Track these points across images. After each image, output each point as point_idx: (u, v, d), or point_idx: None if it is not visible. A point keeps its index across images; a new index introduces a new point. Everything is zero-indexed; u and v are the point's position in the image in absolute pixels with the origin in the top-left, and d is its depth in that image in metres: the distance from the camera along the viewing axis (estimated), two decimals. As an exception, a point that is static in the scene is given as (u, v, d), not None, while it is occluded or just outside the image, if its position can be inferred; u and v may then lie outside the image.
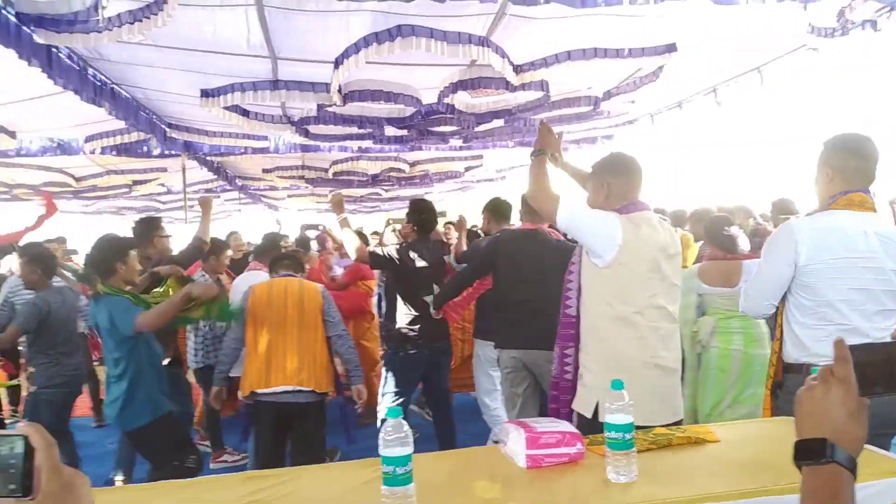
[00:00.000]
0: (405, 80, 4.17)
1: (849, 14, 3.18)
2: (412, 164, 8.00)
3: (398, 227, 7.03)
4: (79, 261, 5.93)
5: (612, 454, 1.62)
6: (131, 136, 5.38)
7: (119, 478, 4.17)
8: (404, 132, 5.53)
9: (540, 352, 3.43)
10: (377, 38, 3.14)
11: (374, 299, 6.36)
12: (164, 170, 7.48)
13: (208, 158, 6.97)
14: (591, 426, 2.18)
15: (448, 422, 4.35)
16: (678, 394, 2.46)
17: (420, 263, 4.11)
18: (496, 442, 4.58)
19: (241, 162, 7.58)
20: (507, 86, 3.92)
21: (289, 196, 11.06)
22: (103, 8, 2.67)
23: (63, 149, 5.79)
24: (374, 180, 8.81)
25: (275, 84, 3.97)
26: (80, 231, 10.06)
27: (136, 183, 8.31)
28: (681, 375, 2.53)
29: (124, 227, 11.19)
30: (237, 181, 9.07)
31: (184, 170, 6.48)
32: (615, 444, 1.61)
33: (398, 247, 4.21)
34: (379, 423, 4.16)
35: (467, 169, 8.56)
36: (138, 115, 4.66)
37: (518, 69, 3.80)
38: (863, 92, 5.28)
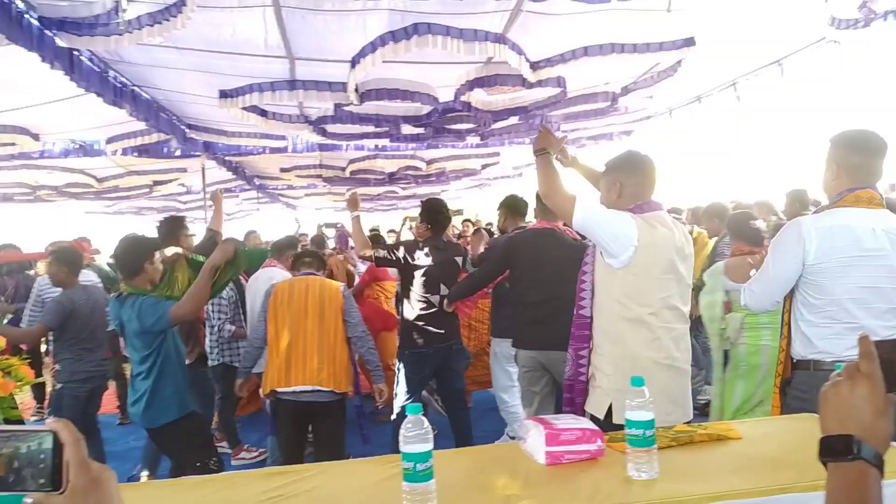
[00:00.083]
0: (421, 78, 4.17)
1: (872, 4, 3.13)
2: (429, 163, 8.02)
3: (415, 224, 7.05)
4: (101, 260, 6.01)
5: (633, 451, 1.61)
6: (152, 137, 5.46)
7: (144, 474, 4.23)
8: (421, 130, 5.54)
9: (558, 353, 3.42)
10: (393, 36, 3.15)
11: (394, 301, 6.38)
12: (184, 170, 7.58)
13: (227, 158, 7.05)
14: (604, 428, 2.17)
15: (462, 421, 4.33)
16: (689, 394, 2.44)
17: (426, 262, 4.09)
18: (512, 438, 4.61)
19: (259, 161, 7.65)
20: (524, 83, 3.91)
21: (306, 195, 11.14)
22: (124, 11, 2.71)
23: (85, 150, 5.89)
24: (391, 178, 8.85)
25: (292, 84, 4.00)
26: (102, 231, 10.21)
27: (156, 183, 8.43)
28: (695, 374, 2.51)
29: (145, 227, 11.36)
30: (255, 181, 9.15)
31: (203, 170, 6.55)
32: (636, 440, 1.60)
33: (404, 245, 4.22)
34: (394, 416, 4.19)
35: (484, 166, 8.56)
36: (158, 116, 4.72)
37: (534, 66, 3.79)
38: (888, 86, 5.19)
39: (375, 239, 7.17)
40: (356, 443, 4.10)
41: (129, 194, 8.98)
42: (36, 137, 5.24)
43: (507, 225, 4.55)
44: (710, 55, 3.95)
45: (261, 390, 3.76)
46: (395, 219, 12.44)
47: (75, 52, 3.24)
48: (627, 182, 2.43)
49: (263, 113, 4.70)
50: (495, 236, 5.43)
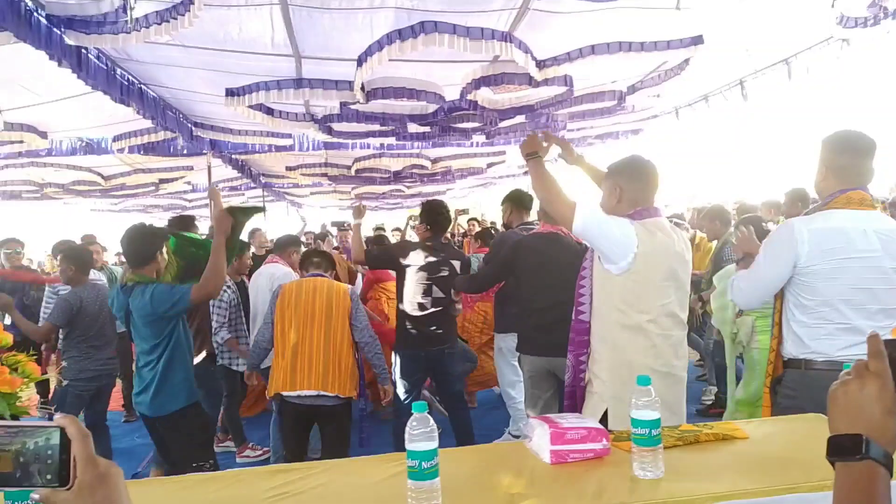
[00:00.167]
0: (428, 76, 4.17)
1: (883, 1, 3.11)
2: (434, 161, 8.01)
3: (415, 225, 7.06)
4: (108, 258, 6.03)
5: (639, 450, 1.61)
6: (158, 135, 5.47)
7: (153, 471, 4.24)
8: (427, 129, 5.54)
9: (564, 359, 3.40)
10: (400, 34, 3.14)
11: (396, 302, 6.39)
12: (191, 168, 7.60)
13: (233, 157, 7.06)
14: None
15: (463, 420, 4.30)
16: (684, 400, 2.44)
17: (417, 262, 4.07)
18: (515, 436, 4.60)
19: (265, 160, 7.66)
20: (530, 81, 3.90)
21: (312, 193, 11.15)
22: (131, 9, 2.71)
23: (92, 148, 5.91)
24: (397, 177, 8.84)
25: (299, 82, 4.00)
26: (108, 229, 10.27)
27: (162, 181, 8.45)
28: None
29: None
30: (261, 179, 9.17)
31: (209, 168, 6.56)
32: (641, 440, 1.60)
33: (398, 244, 4.24)
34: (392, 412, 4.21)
35: (489, 165, 8.55)
36: (165, 114, 4.73)
37: (541, 64, 3.78)
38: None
39: (379, 239, 7.18)
40: (353, 444, 4.11)
41: (135, 192, 9.02)
42: (43, 135, 5.27)
43: (513, 219, 4.53)
44: (717, 54, 3.93)
45: (266, 392, 3.77)
46: (401, 217, 12.46)
47: (83, 50, 3.25)
48: (628, 188, 2.42)
49: (270, 111, 4.71)
50: (501, 232, 5.40)
